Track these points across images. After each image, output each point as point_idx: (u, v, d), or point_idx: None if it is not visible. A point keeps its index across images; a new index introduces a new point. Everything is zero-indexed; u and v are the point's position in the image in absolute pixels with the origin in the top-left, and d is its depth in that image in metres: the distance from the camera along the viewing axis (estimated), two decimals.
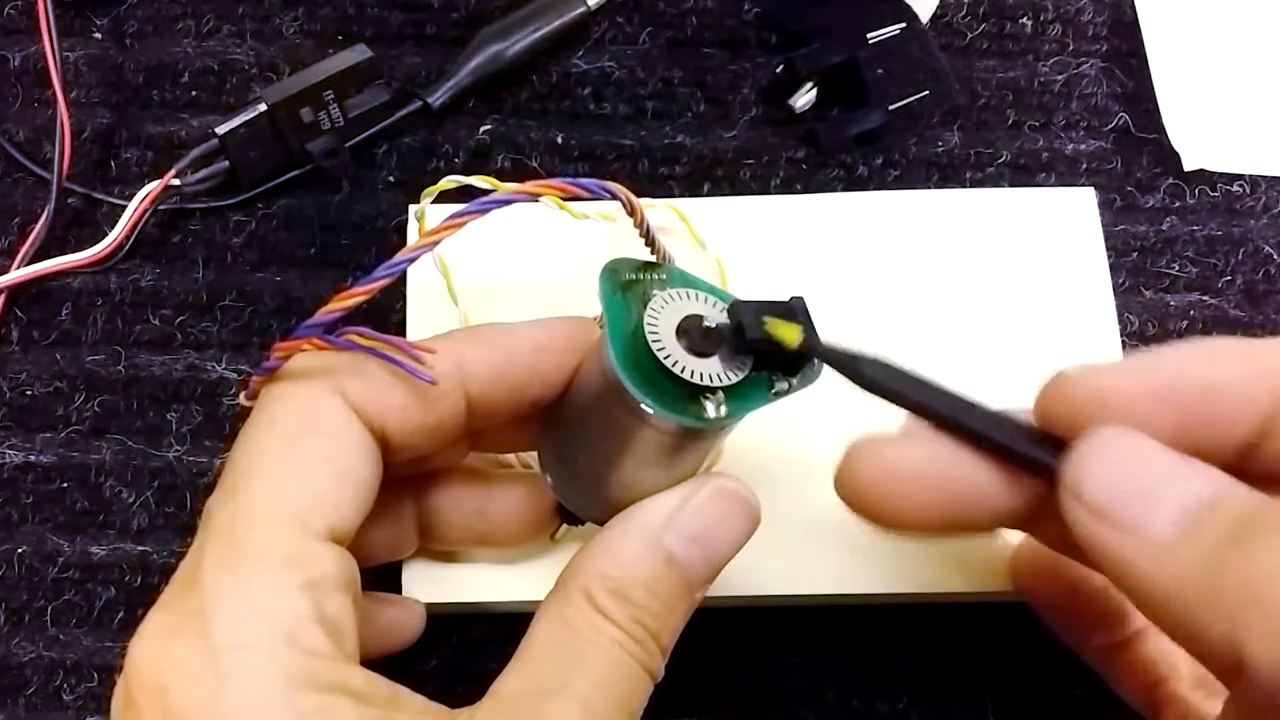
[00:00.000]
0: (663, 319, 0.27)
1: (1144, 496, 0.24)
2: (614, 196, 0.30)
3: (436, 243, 0.28)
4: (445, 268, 0.36)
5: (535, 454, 0.31)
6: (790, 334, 0.27)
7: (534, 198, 0.29)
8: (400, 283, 0.37)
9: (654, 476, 0.28)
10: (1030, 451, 0.26)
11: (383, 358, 0.27)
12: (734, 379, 0.27)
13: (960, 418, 0.26)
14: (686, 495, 0.28)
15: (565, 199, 0.29)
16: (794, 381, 0.28)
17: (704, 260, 0.37)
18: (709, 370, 0.27)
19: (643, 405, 0.26)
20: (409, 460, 0.29)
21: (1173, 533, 0.23)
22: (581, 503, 0.30)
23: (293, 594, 0.25)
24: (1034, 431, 0.27)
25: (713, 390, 0.27)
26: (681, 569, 0.27)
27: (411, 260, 0.28)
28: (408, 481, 0.32)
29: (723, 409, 0.27)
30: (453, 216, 0.28)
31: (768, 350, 0.27)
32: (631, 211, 0.31)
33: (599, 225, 0.36)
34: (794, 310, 0.28)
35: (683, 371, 0.27)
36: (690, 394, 0.27)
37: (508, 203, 0.28)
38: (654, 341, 0.27)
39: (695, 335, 0.27)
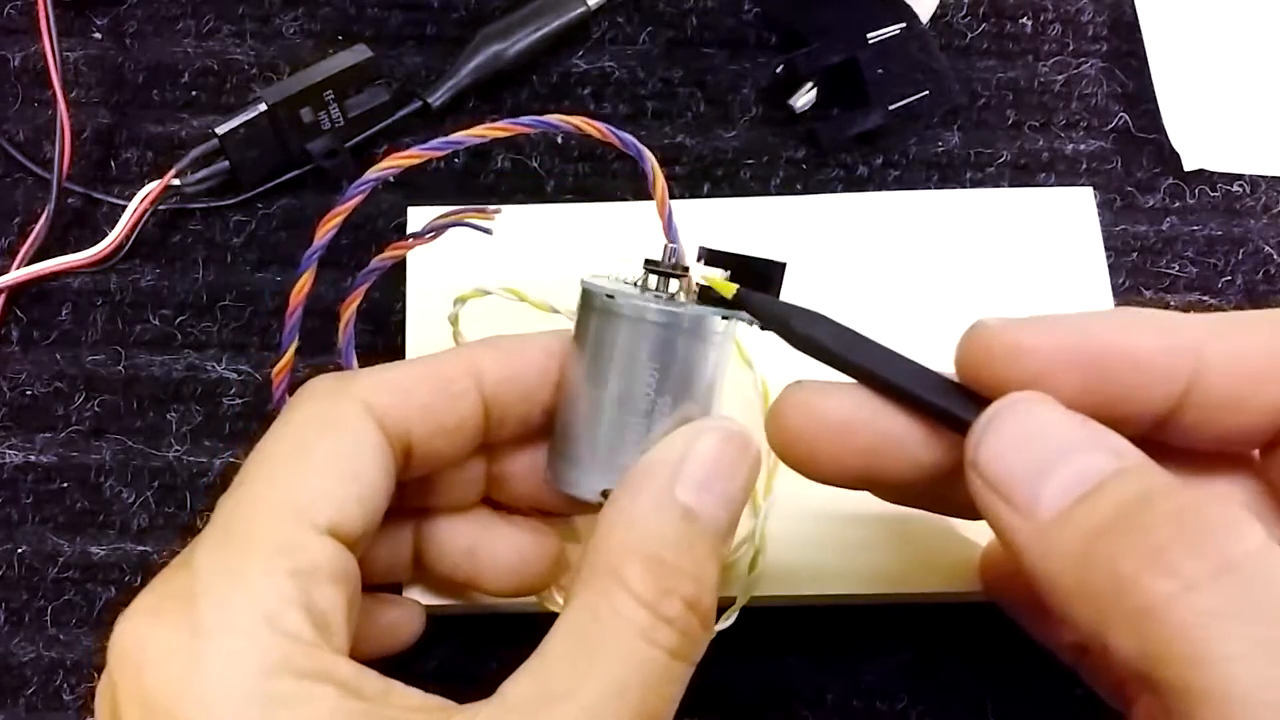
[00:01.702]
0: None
1: (1034, 472, 0.24)
2: (640, 157, 0.30)
3: (476, 139, 0.30)
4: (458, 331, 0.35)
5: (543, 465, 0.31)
6: (725, 287, 0.28)
7: (576, 129, 0.30)
8: (400, 283, 0.37)
9: (645, 407, 0.28)
10: (945, 405, 0.26)
11: (460, 225, 0.30)
12: (682, 273, 0.29)
13: (884, 372, 0.27)
14: (685, 445, 0.27)
15: (603, 142, 0.30)
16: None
17: (749, 379, 0.36)
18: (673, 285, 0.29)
19: (606, 297, 0.28)
20: (420, 486, 0.30)
21: (1053, 514, 0.23)
22: (587, 476, 0.29)
23: (280, 580, 0.25)
24: (956, 388, 0.27)
25: (664, 277, 0.29)
26: (701, 521, 0.26)
27: (454, 143, 0.30)
28: (410, 512, 0.32)
29: (684, 298, 0.28)
30: (490, 123, 0.30)
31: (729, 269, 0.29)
32: (653, 181, 0.30)
33: (607, 226, 0.37)
34: (771, 266, 0.29)
35: (645, 280, 0.29)
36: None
37: (552, 127, 0.30)
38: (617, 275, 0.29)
39: (664, 263, 0.29)
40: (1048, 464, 0.24)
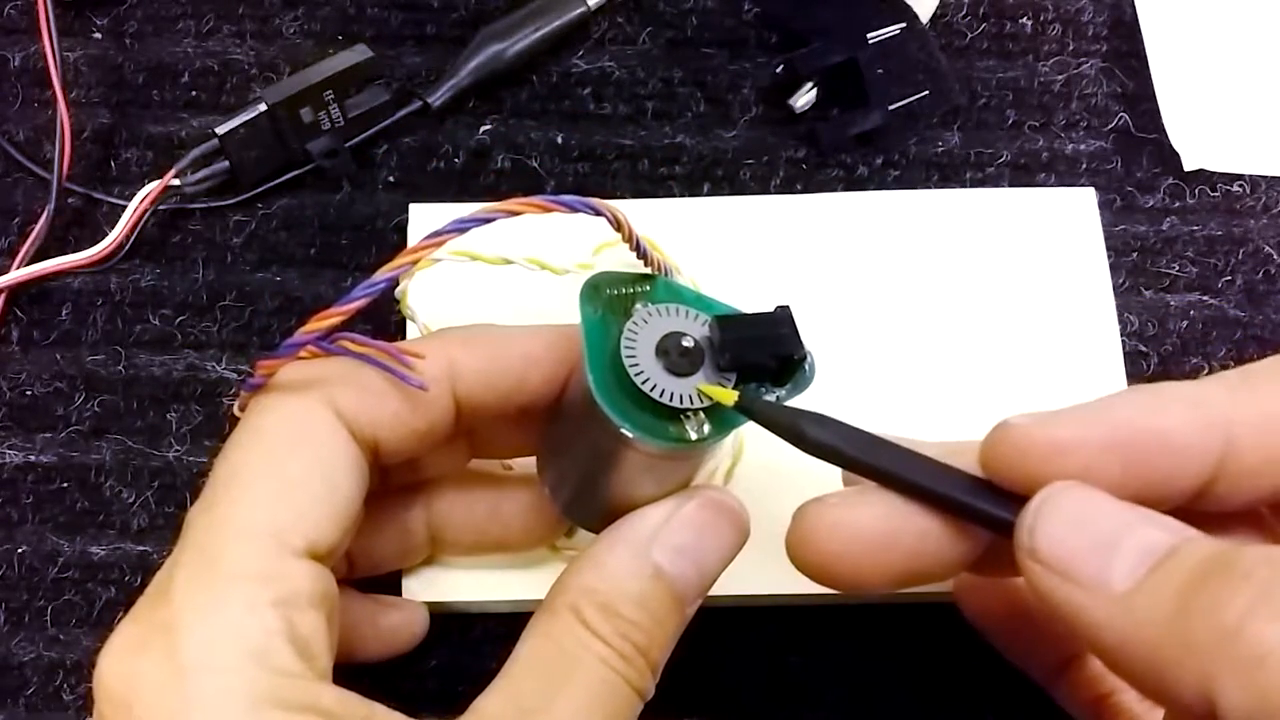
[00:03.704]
0: (641, 339, 0.27)
1: (1100, 550, 0.24)
2: (597, 212, 0.28)
3: (416, 260, 0.27)
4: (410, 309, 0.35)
5: (535, 462, 0.31)
6: (725, 395, 0.27)
7: (513, 215, 0.28)
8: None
9: (644, 491, 0.28)
10: (982, 506, 0.26)
11: (373, 364, 0.27)
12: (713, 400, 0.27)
13: (910, 476, 0.26)
14: (674, 508, 0.28)
15: (545, 214, 0.28)
16: (783, 392, 0.28)
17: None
18: (688, 391, 0.27)
19: (621, 430, 0.26)
20: (403, 465, 0.29)
21: (1132, 584, 0.23)
22: (577, 512, 0.30)
23: (264, 612, 0.24)
24: (982, 484, 0.26)
25: (694, 410, 0.27)
26: (670, 582, 0.27)
27: (390, 280, 0.27)
28: (417, 489, 0.32)
29: (705, 428, 0.27)
30: (432, 235, 0.27)
31: (751, 365, 0.27)
32: (619, 227, 0.29)
33: (607, 226, 0.36)
34: (778, 321, 0.28)
35: (660, 395, 0.26)
36: (671, 414, 0.27)
37: (487, 221, 0.27)
38: (630, 363, 0.27)
39: (674, 354, 0.27)
40: (1112, 539, 0.24)
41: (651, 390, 0.27)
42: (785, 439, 0.27)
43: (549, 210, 0.28)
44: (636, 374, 0.27)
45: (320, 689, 0.25)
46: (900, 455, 0.26)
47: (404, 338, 0.37)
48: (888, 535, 0.26)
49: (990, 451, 0.26)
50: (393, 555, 0.32)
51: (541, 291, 0.36)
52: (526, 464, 0.33)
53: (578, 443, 0.28)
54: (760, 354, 0.27)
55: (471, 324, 0.30)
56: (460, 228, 0.27)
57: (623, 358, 0.27)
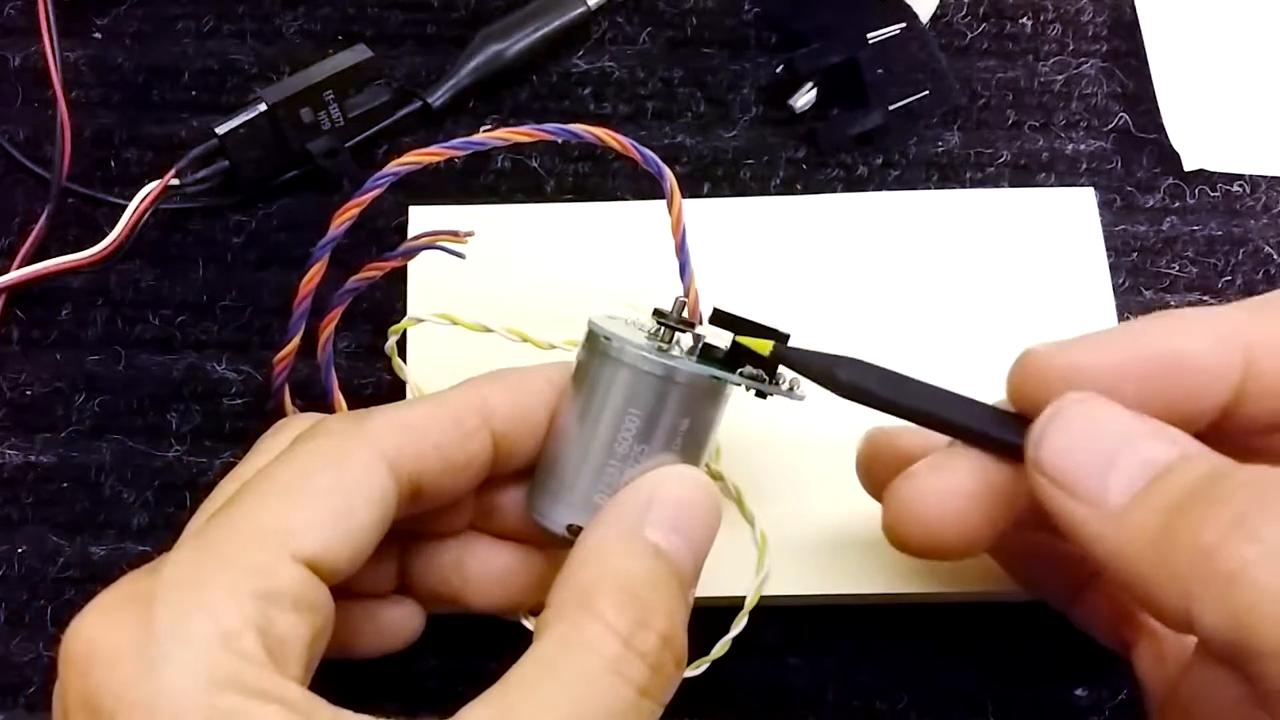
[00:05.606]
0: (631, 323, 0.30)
1: (1099, 464, 0.24)
2: (660, 175, 0.30)
3: (498, 141, 0.31)
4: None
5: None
6: (761, 345, 0.28)
7: (599, 140, 0.30)
8: (401, 282, 0.37)
9: (624, 451, 0.28)
10: (1001, 434, 0.27)
11: (433, 248, 0.31)
12: (687, 328, 0.29)
13: (937, 411, 0.27)
14: (652, 488, 0.27)
15: (622, 153, 0.30)
16: (766, 377, 0.29)
17: (747, 534, 0.34)
18: (681, 342, 0.29)
19: (606, 339, 0.28)
20: (430, 507, 0.29)
21: (1126, 500, 0.24)
22: (558, 509, 0.29)
23: (242, 599, 0.24)
24: (1008, 415, 0.27)
25: (669, 329, 0.29)
26: (670, 562, 0.27)
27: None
28: (396, 535, 0.31)
29: (690, 355, 0.28)
30: (514, 128, 0.31)
31: (734, 321, 0.29)
32: (670, 202, 0.30)
33: (607, 226, 0.36)
34: (777, 337, 0.29)
35: (636, 324, 0.29)
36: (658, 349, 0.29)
37: (575, 136, 0.30)
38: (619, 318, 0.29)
39: (674, 312, 0.29)
40: (1112, 454, 0.24)
41: (648, 325, 0.29)
42: (819, 383, 0.28)
43: (624, 151, 0.30)
44: (624, 319, 0.29)
45: (286, 684, 0.24)
46: (927, 392, 0.28)
47: (404, 341, 0.37)
48: (985, 486, 0.27)
49: (1015, 377, 0.27)
50: (363, 584, 0.32)
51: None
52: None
53: (571, 420, 0.29)
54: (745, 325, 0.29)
55: (497, 369, 0.30)
56: (542, 130, 0.31)
57: (624, 320, 0.29)
